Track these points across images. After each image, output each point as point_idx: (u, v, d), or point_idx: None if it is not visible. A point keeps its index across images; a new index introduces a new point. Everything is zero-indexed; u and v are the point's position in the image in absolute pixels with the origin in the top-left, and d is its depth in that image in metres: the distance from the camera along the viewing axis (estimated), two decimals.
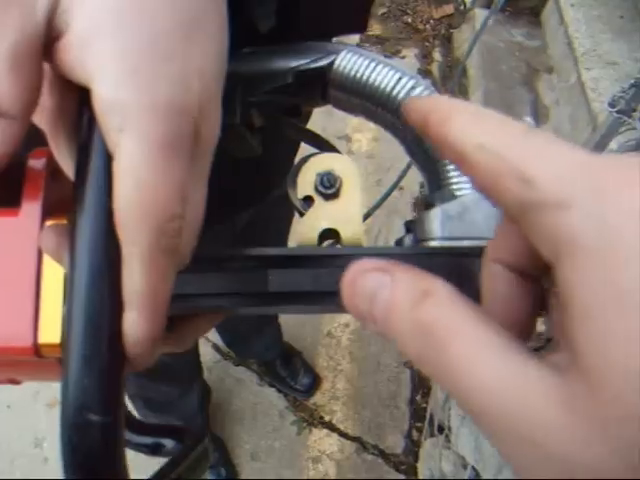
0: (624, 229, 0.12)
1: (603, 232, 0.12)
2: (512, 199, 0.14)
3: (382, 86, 0.22)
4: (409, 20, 2.17)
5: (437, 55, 2.11)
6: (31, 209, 0.23)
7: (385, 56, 0.24)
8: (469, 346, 0.13)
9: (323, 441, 1.28)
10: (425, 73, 2.06)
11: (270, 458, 1.26)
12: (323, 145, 0.28)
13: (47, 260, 0.22)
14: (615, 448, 0.11)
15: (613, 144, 1.04)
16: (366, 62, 0.23)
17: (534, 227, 0.13)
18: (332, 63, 0.23)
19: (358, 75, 0.23)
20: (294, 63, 0.24)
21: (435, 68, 2.08)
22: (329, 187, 0.24)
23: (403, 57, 2.10)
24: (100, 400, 0.17)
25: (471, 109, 0.16)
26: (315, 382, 1.34)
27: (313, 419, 1.31)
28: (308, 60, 0.24)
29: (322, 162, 0.25)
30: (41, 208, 0.23)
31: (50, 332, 0.22)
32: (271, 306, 0.22)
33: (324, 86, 0.25)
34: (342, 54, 0.23)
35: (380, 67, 0.22)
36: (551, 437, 0.12)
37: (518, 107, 1.70)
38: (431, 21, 2.18)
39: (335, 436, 1.29)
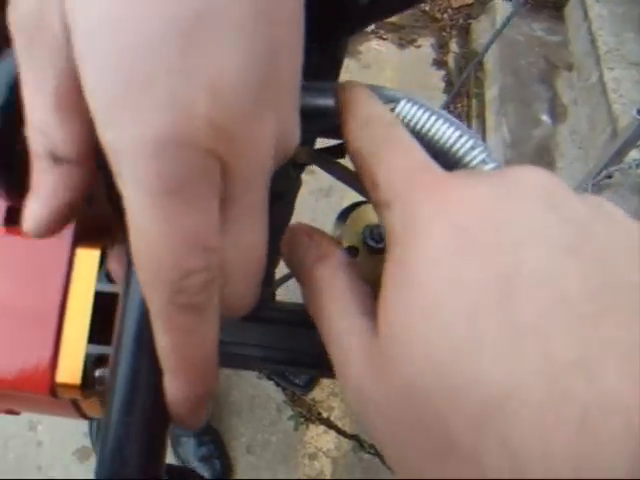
0: (417, 226, 0.15)
1: (404, 228, 0.16)
2: (370, 198, 0.18)
3: (441, 142, 0.22)
4: (426, 8, 2.11)
5: (454, 46, 2.06)
6: (61, 233, 0.20)
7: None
8: (333, 301, 0.18)
9: (320, 438, 1.27)
10: (440, 64, 2.01)
11: (266, 452, 1.25)
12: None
13: (74, 292, 0.20)
14: (393, 385, 0.15)
15: (635, 152, 1.01)
16: (426, 115, 0.22)
17: (382, 222, 0.17)
18: (391, 110, 0.23)
19: (417, 127, 0.22)
20: None
21: (451, 59, 2.03)
22: (379, 241, 0.23)
23: (419, 46, 2.05)
24: (139, 473, 0.16)
25: (363, 113, 0.19)
26: (314, 377, 1.33)
27: (311, 415, 1.30)
28: None
29: (373, 213, 0.23)
30: (72, 233, 0.21)
31: (69, 372, 0.20)
32: (320, 368, 0.21)
33: None
34: (402, 103, 0.22)
35: (440, 122, 0.22)
36: (353, 372, 0.16)
37: (535, 104, 1.66)
38: (449, 10, 2.12)
39: (332, 433, 1.27)
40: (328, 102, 0.22)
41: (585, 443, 0.12)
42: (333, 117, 0.21)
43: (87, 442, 1.22)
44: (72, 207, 0.16)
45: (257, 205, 0.16)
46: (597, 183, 1.07)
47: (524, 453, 0.12)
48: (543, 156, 1.53)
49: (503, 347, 0.13)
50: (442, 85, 1.96)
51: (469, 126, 1.76)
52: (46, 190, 0.16)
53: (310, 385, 1.33)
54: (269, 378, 1.33)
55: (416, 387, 0.14)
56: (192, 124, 0.14)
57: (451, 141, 0.21)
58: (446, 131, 0.21)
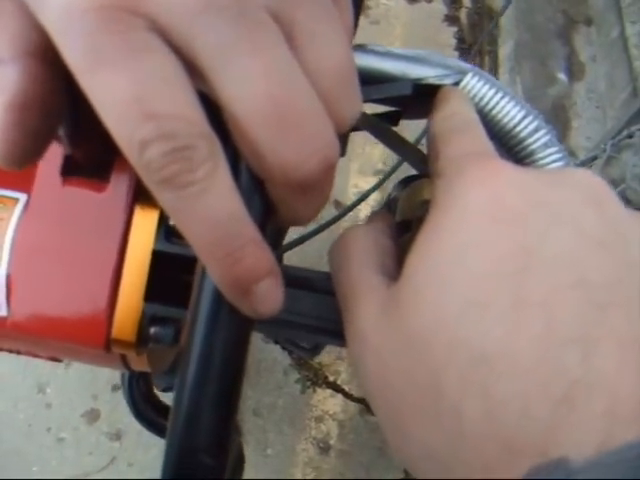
0: (459, 191, 0.16)
1: (448, 192, 0.17)
2: (430, 171, 0.19)
3: (505, 121, 0.22)
4: None
5: (466, 1, 1.97)
6: (120, 187, 0.20)
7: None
8: (360, 264, 0.19)
9: (327, 401, 1.28)
10: (452, 20, 1.93)
11: (272, 415, 1.26)
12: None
13: (132, 249, 0.20)
14: (398, 330, 0.16)
15: None
16: (492, 92, 0.22)
17: (432, 191, 0.19)
18: (457, 83, 0.23)
19: (482, 104, 0.22)
20: (416, 74, 0.23)
21: (463, 15, 1.94)
22: None
23: (430, 1, 1.96)
24: (216, 441, 0.15)
25: (450, 110, 0.21)
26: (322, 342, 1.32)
27: (317, 379, 1.30)
28: (434, 74, 0.23)
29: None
30: (130, 188, 0.20)
31: (125, 328, 0.20)
32: None
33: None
34: (468, 77, 0.22)
35: (505, 101, 0.22)
36: (362, 314, 0.17)
37: (551, 62, 1.59)
38: None
39: (339, 397, 1.28)
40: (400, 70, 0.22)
41: (564, 415, 0.12)
42: (403, 87, 0.22)
43: (95, 404, 1.23)
44: (25, 118, 0.15)
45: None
46: (616, 143, 1.02)
47: (501, 412, 0.13)
48: (558, 115, 1.48)
49: (507, 312, 0.14)
50: (454, 42, 1.89)
51: None
52: None
53: (317, 349, 1.32)
54: (275, 342, 1.33)
55: (419, 335, 0.15)
56: None
57: (515, 121, 0.21)
58: (511, 110, 0.21)
